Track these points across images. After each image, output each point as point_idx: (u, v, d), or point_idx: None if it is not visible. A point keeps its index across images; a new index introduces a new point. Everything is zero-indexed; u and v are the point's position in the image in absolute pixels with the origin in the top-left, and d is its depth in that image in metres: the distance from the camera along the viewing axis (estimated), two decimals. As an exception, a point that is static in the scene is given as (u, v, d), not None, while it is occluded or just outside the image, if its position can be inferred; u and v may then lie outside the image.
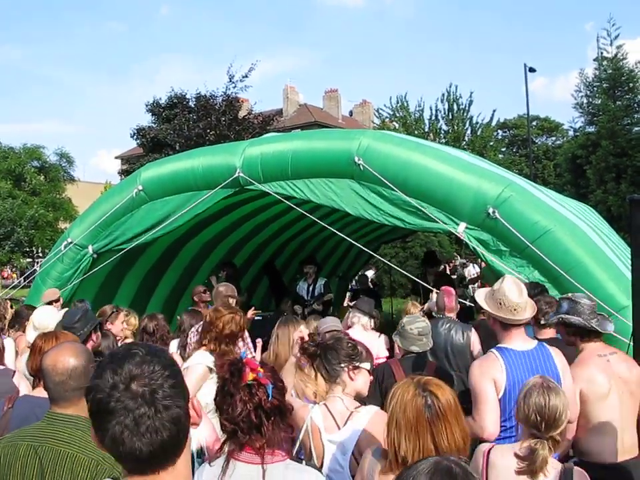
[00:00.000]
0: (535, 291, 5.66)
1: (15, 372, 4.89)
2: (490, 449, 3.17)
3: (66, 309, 5.88)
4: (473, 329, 6.07)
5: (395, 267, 10.41)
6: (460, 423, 2.62)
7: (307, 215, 7.55)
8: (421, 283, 7.77)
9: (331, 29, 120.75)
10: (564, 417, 3.06)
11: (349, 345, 3.61)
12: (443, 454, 2.46)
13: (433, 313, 6.43)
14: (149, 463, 1.58)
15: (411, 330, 4.92)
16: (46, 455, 2.60)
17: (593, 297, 4.60)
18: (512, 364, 3.94)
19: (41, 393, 3.30)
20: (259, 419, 2.49)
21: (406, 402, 2.65)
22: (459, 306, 6.46)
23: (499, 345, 4.10)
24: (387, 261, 11.14)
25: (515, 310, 3.98)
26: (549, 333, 5.02)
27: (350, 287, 16.78)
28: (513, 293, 3.99)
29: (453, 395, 2.67)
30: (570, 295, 4.49)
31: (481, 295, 4.23)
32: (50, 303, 7.22)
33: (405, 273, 8.31)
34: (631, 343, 4.32)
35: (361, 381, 3.55)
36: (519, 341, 4.04)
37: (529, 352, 4.01)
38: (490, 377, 3.93)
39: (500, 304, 4.00)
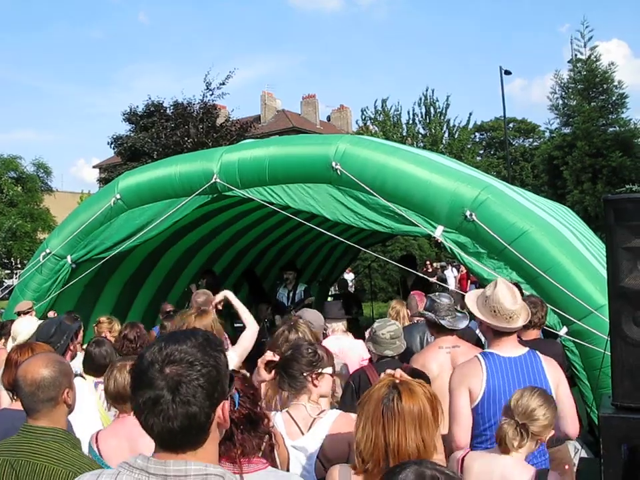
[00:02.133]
0: None
1: None
2: (464, 455, 3.21)
3: (41, 321, 5.85)
4: None
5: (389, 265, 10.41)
6: (420, 432, 2.53)
7: (292, 217, 7.51)
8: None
9: (308, 34, 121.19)
10: (539, 415, 3.18)
11: (309, 351, 3.56)
12: (394, 451, 2.48)
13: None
14: (165, 441, 1.67)
15: (382, 334, 4.83)
16: (22, 468, 2.58)
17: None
18: (494, 370, 3.85)
19: (21, 406, 3.28)
20: (228, 429, 2.47)
21: (372, 392, 2.65)
22: None
23: (485, 350, 4.04)
24: (385, 258, 11.13)
25: (510, 318, 3.86)
26: (533, 334, 5.04)
27: (330, 291, 16.81)
28: (507, 299, 3.87)
29: (423, 404, 2.58)
30: (435, 294, 5.18)
31: (471, 300, 4.08)
32: (19, 314, 7.18)
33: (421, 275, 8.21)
34: (609, 339, 4.37)
35: (325, 386, 3.54)
36: (508, 347, 3.94)
37: (516, 359, 3.91)
38: (465, 385, 3.87)
39: (494, 312, 3.88)
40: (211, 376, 1.67)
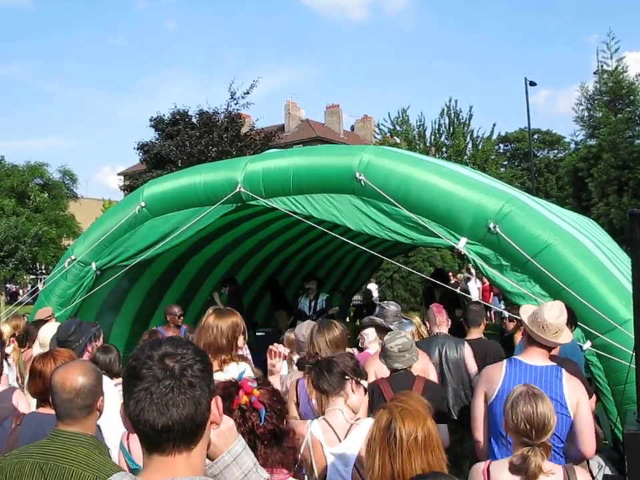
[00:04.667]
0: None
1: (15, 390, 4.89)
2: (488, 466, 3.18)
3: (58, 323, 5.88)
4: (466, 344, 6.19)
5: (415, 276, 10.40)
6: (425, 456, 2.57)
7: (315, 226, 7.48)
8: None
9: (332, 43, 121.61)
10: (552, 423, 3.13)
11: (353, 359, 3.65)
12: (399, 477, 2.51)
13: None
14: (164, 437, 1.64)
15: (391, 348, 4.79)
16: (51, 472, 2.61)
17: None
18: (513, 373, 4.08)
19: (48, 410, 3.30)
20: (252, 442, 2.47)
21: (377, 417, 2.68)
22: (449, 321, 6.49)
23: (514, 356, 4.31)
24: (409, 269, 11.14)
25: (545, 328, 4.10)
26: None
27: (352, 301, 16.76)
28: (550, 313, 4.13)
29: (426, 430, 2.60)
30: (384, 302, 5.73)
31: (525, 315, 4.34)
32: (39, 322, 7.22)
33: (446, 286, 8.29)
34: (634, 354, 4.33)
35: (359, 396, 3.57)
36: (535, 357, 4.15)
37: (537, 367, 4.10)
38: (482, 390, 4.21)
39: (542, 327, 4.12)
40: (206, 364, 1.74)
